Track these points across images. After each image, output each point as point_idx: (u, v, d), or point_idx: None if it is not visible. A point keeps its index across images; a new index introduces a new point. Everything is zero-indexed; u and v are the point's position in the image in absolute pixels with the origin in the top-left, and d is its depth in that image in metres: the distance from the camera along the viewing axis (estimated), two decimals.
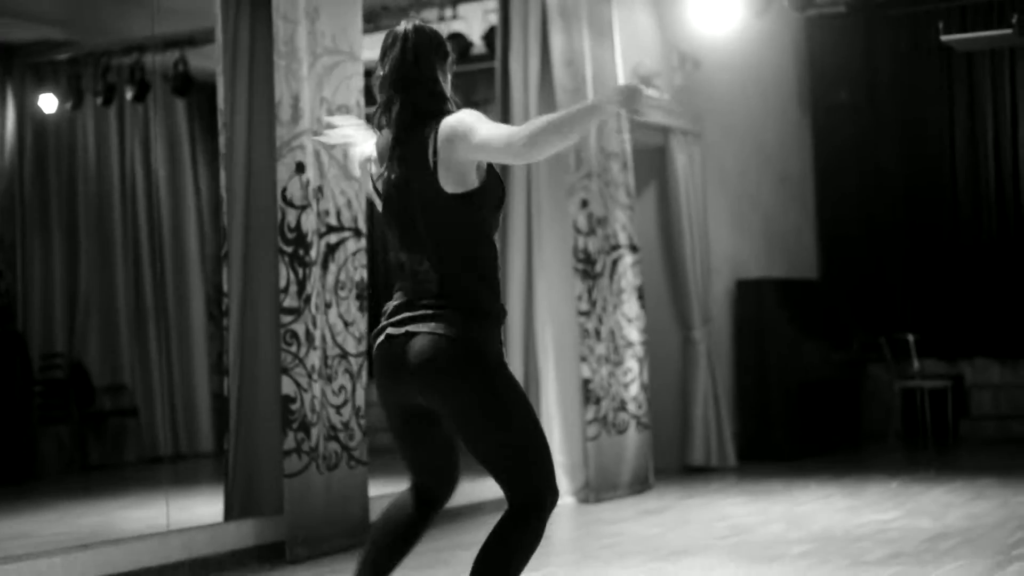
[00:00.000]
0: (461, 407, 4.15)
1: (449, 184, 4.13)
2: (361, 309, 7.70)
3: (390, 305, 4.27)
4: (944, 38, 11.66)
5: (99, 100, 11.78)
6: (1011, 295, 13.06)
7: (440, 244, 4.17)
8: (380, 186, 4.27)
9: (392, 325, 4.21)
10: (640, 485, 9.89)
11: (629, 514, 8.80)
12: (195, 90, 11.85)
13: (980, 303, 13.18)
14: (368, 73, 8.04)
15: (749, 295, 12.05)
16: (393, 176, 4.20)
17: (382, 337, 4.24)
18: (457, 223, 4.17)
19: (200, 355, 12.77)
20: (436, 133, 4.13)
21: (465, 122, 4.11)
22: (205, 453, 12.39)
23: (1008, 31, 11.37)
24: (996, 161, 13.25)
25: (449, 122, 4.13)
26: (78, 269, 12.08)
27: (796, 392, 11.75)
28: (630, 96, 3.97)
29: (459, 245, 4.18)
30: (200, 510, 8.15)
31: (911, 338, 12.51)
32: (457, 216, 4.16)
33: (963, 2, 13.06)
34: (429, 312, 4.16)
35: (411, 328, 4.16)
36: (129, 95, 11.72)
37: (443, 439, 4.35)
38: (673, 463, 11.16)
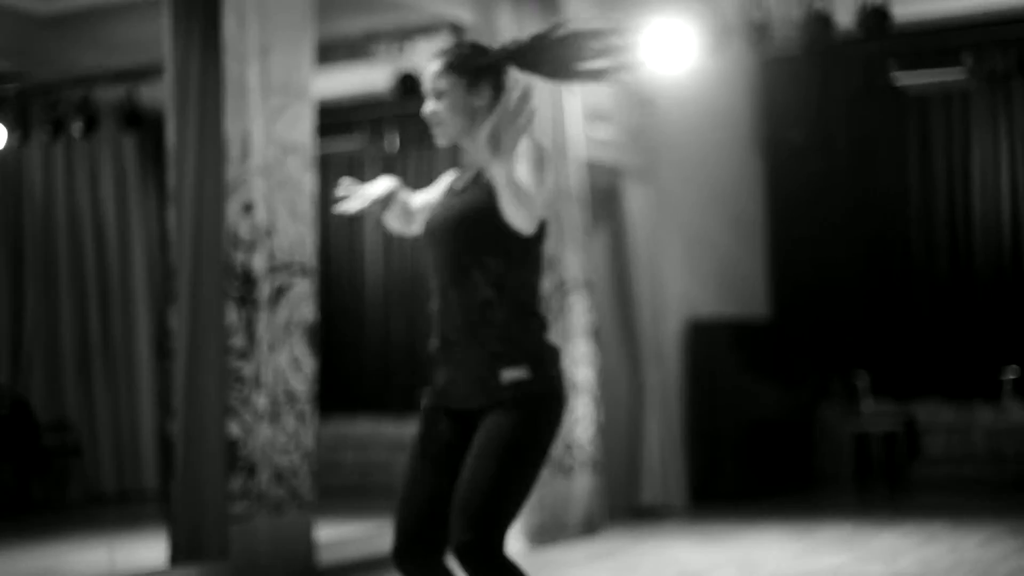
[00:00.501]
0: None
1: None
2: (311, 350, 7.60)
3: None
4: (896, 79, 11.73)
5: (48, 133, 11.66)
6: (964, 336, 13.08)
7: None
8: None
9: None
10: (589, 528, 9.81)
11: (579, 558, 8.73)
12: (145, 124, 11.73)
13: (933, 344, 13.19)
14: (323, 112, 7.99)
15: (701, 335, 12.01)
16: None
17: None
18: None
19: (146, 393, 12.64)
20: None
21: None
22: (150, 492, 12.25)
23: (961, 74, 11.44)
24: (949, 203, 13.28)
25: None
26: (23, 304, 11.95)
27: (748, 433, 11.72)
28: None
29: None
30: (144, 553, 8.04)
31: (864, 379, 12.50)
32: None
33: (917, 45, 13.10)
34: None
35: None
36: (78, 129, 11.59)
37: None
38: (624, 504, 11.09)
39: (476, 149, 4.13)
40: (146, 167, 12.72)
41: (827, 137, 13.56)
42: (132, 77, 11.25)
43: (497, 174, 3.88)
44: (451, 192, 4.22)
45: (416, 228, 4.27)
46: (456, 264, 4.07)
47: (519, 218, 3.96)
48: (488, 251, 4.06)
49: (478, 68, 4.15)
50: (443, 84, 4.13)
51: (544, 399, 4.03)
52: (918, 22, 12.56)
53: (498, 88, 4.17)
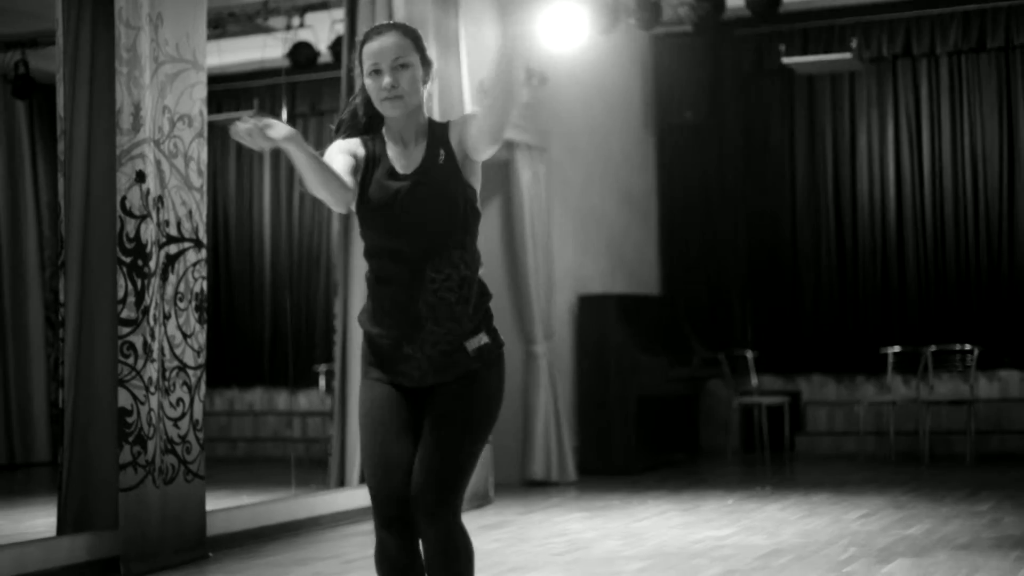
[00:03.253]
0: None
1: None
2: (200, 321, 7.61)
3: None
4: (785, 60, 11.91)
5: None
6: (848, 313, 13.34)
7: None
8: None
9: None
10: (480, 499, 9.90)
11: (469, 528, 8.75)
12: (37, 93, 11.62)
13: (817, 321, 13.44)
14: (212, 80, 7.97)
15: (591, 310, 12.13)
16: None
17: None
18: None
19: (38, 363, 12.52)
20: None
21: None
22: (41, 462, 12.16)
23: (847, 55, 11.65)
24: (835, 182, 13.52)
25: None
26: None
27: (636, 407, 11.85)
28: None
29: None
30: (33, 522, 8.02)
31: (750, 354, 12.69)
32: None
33: (805, 25, 13.31)
34: None
35: None
36: None
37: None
38: (514, 477, 11.20)
39: (413, 124, 4.22)
40: (37, 136, 12.60)
41: (717, 116, 13.73)
42: (24, 44, 11.14)
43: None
44: (412, 165, 4.19)
45: (348, 197, 4.11)
46: (439, 244, 4.14)
47: (488, 151, 4.19)
48: (466, 230, 4.22)
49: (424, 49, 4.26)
50: (409, 58, 4.17)
51: (499, 355, 4.24)
52: (807, 3, 12.77)
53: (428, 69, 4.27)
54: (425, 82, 4.23)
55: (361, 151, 4.21)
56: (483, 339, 4.19)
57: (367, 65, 4.18)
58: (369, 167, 4.19)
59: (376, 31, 4.22)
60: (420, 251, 4.13)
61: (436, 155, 4.20)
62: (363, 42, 4.23)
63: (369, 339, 4.23)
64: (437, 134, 4.23)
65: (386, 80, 4.15)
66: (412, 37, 4.22)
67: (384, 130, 4.26)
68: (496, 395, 4.21)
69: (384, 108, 4.19)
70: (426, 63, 4.23)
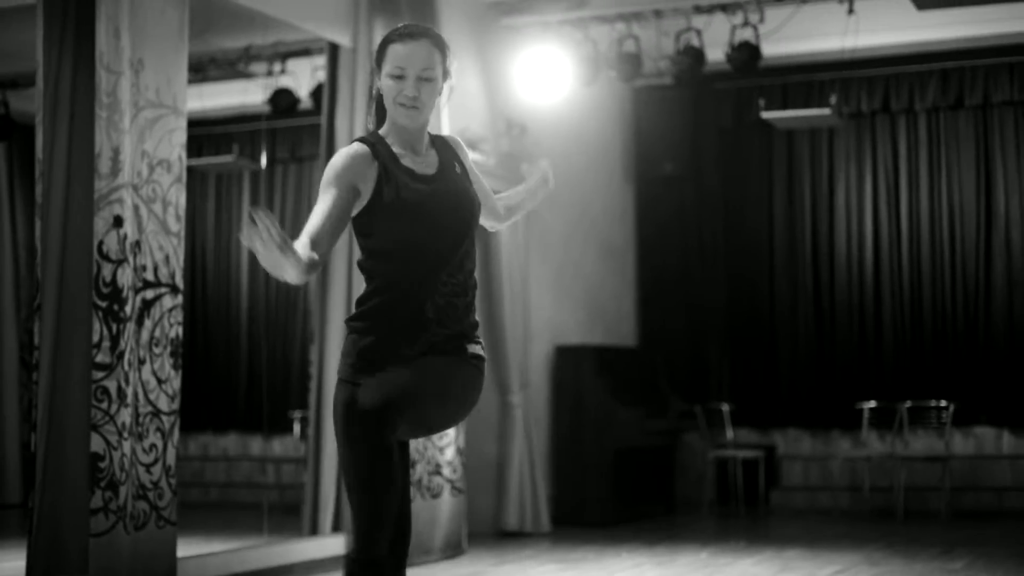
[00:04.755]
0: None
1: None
2: (175, 367, 7.58)
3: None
4: (765, 115, 11.95)
5: None
6: (824, 367, 13.34)
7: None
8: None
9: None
10: (453, 550, 9.86)
11: None
12: (17, 134, 11.60)
13: (794, 374, 13.44)
14: (192, 124, 7.96)
15: (568, 361, 12.12)
16: None
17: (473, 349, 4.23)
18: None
19: (11, 404, 12.45)
20: None
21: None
22: (12, 504, 12.08)
23: (826, 111, 11.70)
24: (812, 236, 13.55)
25: None
26: None
27: (611, 459, 11.83)
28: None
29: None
30: (1, 566, 7.94)
31: (726, 408, 12.69)
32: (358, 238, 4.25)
33: (785, 81, 13.37)
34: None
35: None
36: None
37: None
38: (488, 527, 11.16)
39: (423, 133, 4.24)
40: (16, 177, 12.56)
41: (697, 169, 13.76)
42: (5, 85, 11.14)
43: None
44: (429, 169, 4.19)
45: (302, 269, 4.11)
46: (456, 246, 4.15)
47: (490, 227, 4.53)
48: (475, 237, 4.27)
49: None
50: (435, 72, 4.16)
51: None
52: (787, 58, 12.82)
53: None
54: (439, 93, 4.22)
55: (370, 168, 4.12)
56: (481, 348, 4.23)
57: (390, 66, 4.14)
58: (385, 172, 4.11)
59: (408, 34, 4.16)
60: (441, 252, 4.11)
61: (451, 165, 4.23)
62: (391, 40, 4.17)
63: (365, 347, 4.11)
64: (441, 146, 4.27)
65: (409, 91, 4.11)
66: (441, 49, 4.19)
67: (390, 131, 4.22)
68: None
69: (398, 113, 4.16)
70: (445, 76, 4.22)
